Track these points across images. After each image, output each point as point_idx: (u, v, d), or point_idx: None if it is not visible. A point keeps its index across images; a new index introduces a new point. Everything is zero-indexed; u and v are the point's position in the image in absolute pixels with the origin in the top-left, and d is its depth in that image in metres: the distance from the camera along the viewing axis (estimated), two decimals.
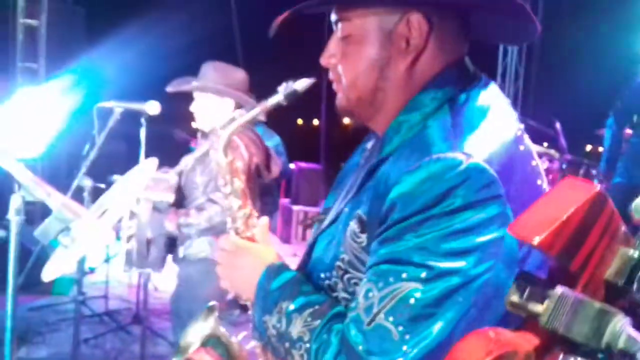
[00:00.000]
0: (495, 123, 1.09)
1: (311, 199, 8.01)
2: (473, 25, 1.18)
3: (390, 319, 0.96)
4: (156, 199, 2.87)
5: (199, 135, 3.29)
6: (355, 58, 1.15)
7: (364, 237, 1.08)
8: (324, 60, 1.21)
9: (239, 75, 3.13)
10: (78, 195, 3.65)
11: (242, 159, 2.79)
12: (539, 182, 1.14)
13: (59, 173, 7.97)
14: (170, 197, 2.87)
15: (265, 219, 1.37)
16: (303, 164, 8.37)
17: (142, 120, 3.75)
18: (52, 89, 7.13)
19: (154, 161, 2.27)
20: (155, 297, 4.72)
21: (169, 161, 3.39)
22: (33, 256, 3.69)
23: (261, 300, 1.17)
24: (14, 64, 7.06)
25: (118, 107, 3.24)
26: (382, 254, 1.01)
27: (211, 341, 1.34)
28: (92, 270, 5.28)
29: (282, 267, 1.21)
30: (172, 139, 6.79)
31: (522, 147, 1.12)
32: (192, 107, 3.09)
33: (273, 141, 4.69)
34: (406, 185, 0.99)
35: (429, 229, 0.96)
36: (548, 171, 5.94)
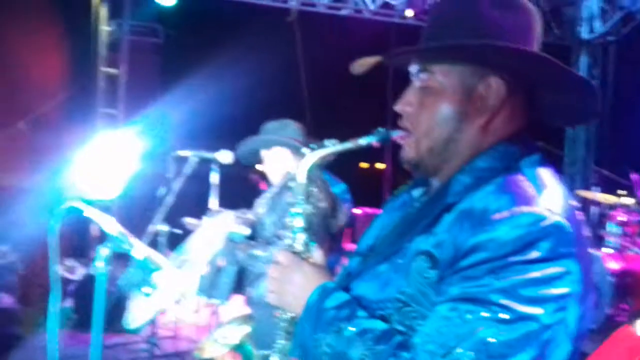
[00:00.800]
0: (558, 187, 1.18)
1: None
2: (536, 104, 1.27)
3: (469, 354, 1.01)
4: (232, 230, 2.91)
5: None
6: (432, 109, 1.22)
7: (433, 274, 1.12)
8: (400, 107, 1.28)
9: (299, 131, 3.20)
10: (153, 239, 3.78)
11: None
12: (589, 249, 1.21)
13: (131, 214, 8.30)
14: (246, 231, 2.90)
15: (321, 253, 1.40)
16: (368, 210, 8.35)
17: (214, 166, 3.87)
18: (129, 134, 7.53)
19: (230, 215, 2.34)
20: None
21: (241, 203, 3.48)
22: (112, 298, 3.82)
23: (313, 318, 1.20)
24: (95, 110, 7.49)
25: (194, 157, 3.36)
26: (460, 292, 1.06)
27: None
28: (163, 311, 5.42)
29: (336, 288, 1.25)
30: (244, 180, 6.96)
31: (578, 214, 1.19)
32: (266, 161, 3.13)
33: (339, 188, 4.71)
34: (493, 231, 1.06)
35: (510, 274, 1.03)
36: (626, 224, 5.65)
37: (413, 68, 1.26)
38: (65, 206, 1.99)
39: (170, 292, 1.76)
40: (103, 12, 7.39)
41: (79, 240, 7.58)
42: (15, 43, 11.53)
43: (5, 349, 5.02)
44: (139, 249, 1.77)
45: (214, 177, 3.94)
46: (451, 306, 1.06)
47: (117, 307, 4.95)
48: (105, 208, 7.52)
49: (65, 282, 6.22)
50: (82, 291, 5.00)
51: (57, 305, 1.99)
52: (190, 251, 1.91)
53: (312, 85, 9.53)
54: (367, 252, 1.37)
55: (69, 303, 5.39)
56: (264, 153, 3.14)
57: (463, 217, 1.12)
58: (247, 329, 1.39)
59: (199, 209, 3.68)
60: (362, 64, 1.34)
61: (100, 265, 1.90)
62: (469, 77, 1.19)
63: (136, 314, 1.78)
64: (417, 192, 1.39)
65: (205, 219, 2.81)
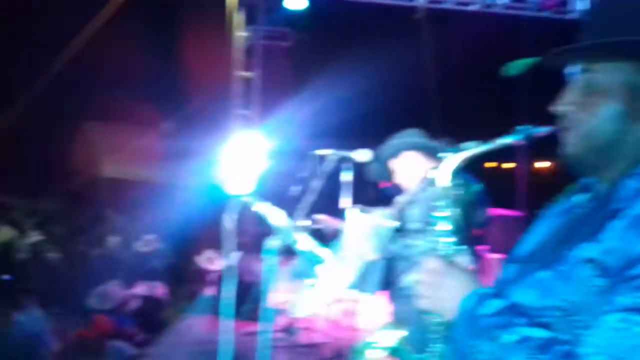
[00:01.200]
0: None
1: (510, 248, 7.60)
2: None
3: None
4: (382, 224, 2.95)
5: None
6: (595, 109, 1.19)
7: (600, 282, 1.09)
8: (561, 107, 1.24)
9: (425, 137, 3.17)
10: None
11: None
12: None
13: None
14: (395, 224, 2.90)
15: (468, 256, 1.40)
16: (503, 211, 8.07)
17: (346, 165, 3.95)
18: (262, 133, 7.94)
19: (378, 211, 2.42)
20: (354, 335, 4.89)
21: (361, 202, 3.53)
22: (251, 289, 4.06)
23: (468, 324, 1.19)
24: (231, 111, 7.97)
25: (333, 155, 3.44)
26: (631, 303, 1.03)
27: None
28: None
29: (492, 294, 1.22)
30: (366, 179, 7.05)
31: None
32: (397, 169, 3.12)
33: (476, 188, 4.59)
34: None
35: None
36: None
37: (572, 67, 1.23)
38: (237, 201, 2.19)
39: (332, 285, 1.88)
40: (238, 19, 7.84)
41: (218, 233, 8.08)
42: (160, 51, 12.59)
43: (154, 332, 5.53)
44: (304, 242, 1.91)
45: (346, 176, 4.03)
46: (621, 317, 1.03)
47: (255, 297, 5.27)
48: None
49: (206, 272, 6.72)
50: (221, 281, 5.35)
51: (230, 294, 2.20)
52: (346, 246, 2.01)
53: (440, 83, 9.41)
54: (526, 259, 1.34)
55: (211, 291, 5.80)
56: (393, 162, 3.13)
57: (637, 223, 1.09)
58: (402, 332, 1.43)
59: (329, 208, 3.80)
60: (517, 66, 1.32)
61: (268, 257, 2.06)
62: (633, 76, 1.15)
63: (303, 304, 1.92)
64: (578, 198, 1.34)
65: (352, 215, 2.89)
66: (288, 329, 4.73)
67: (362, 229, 2.26)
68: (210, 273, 6.64)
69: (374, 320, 3.45)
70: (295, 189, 5.24)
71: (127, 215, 11.61)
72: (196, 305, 5.76)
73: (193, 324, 5.10)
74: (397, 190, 5.92)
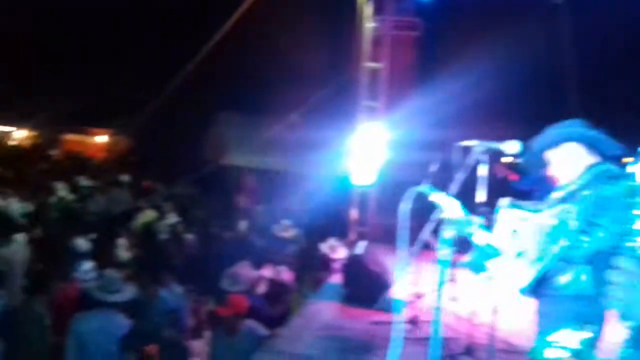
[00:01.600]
0: None
1: None
2: None
3: None
4: (544, 221, 2.81)
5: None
6: None
7: None
8: None
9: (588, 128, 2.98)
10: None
11: None
12: None
13: (384, 199, 8.76)
14: (555, 222, 2.76)
15: None
16: None
17: (482, 158, 3.81)
18: (387, 124, 7.94)
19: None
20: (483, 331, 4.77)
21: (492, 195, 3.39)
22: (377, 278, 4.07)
23: None
24: (357, 102, 8.02)
25: (479, 147, 3.33)
26: None
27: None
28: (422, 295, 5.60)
29: None
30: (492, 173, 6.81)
31: None
32: (556, 160, 2.94)
33: None
34: None
35: None
36: None
37: None
38: (414, 190, 2.21)
39: (506, 279, 1.84)
40: (368, 9, 7.84)
41: (342, 221, 8.21)
42: (290, 41, 12.97)
43: (281, 315, 5.74)
44: (481, 235, 1.89)
45: (482, 170, 3.89)
46: None
47: (382, 287, 5.30)
48: (363, 194, 8.22)
49: (330, 259, 6.86)
50: (349, 268, 5.44)
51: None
52: (525, 241, 1.96)
53: (580, 70, 8.81)
54: None
55: (337, 279, 5.90)
56: (551, 153, 2.95)
57: None
58: (586, 334, 1.37)
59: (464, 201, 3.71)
60: None
61: (443, 248, 2.06)
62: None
63: (479, 298, 1.90)
64: None
65: (505, 210, 2.79)
66: (414, 321, 4.71)
67: (520, 225, 2.17)
68: (335, 261, 6.77)
69: (518, 320, 3.29)
70: (426, 181, 5.17)
71: (255, 201, 12.17)
72: (321, 291, 5.90)
73: (319, 310, 5.22)
74: (531, 183, 5.63)
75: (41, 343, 4.99)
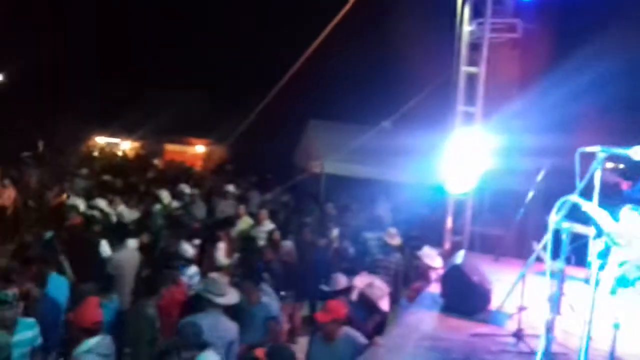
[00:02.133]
0: None
1: None
2: None
3: None
4: None
5: None
6: None
7: None
8: None
9: None
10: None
11: None
12: None
13: (481, 207, 8.49)
14: None
15: None
16: None
17: (602, 164, 3.58)
18: (485, 130, 7.69)
19: None
20: (595, 350, 4.48)
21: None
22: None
23: None
24: (454, 107, 7.83)
25: (602, 153, 3.15)
26: None
27: None
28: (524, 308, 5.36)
29: None
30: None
31: None
32: None
33: None
34: None
35: None
36: None
37: None
38: (564, 201, 2.13)
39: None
40: (465, 13, 7.66)
41: (437, 230, 8.04)
42: (385, 47, 12.94)
43: (377, 325, 5.69)
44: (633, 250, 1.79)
45: (597, 177, 3.68)
46: None
47: (482, 298, 5.13)
48: (460, 202, 7.99)
49: (428, 268, 6.72)
50: (448, 278, 5.30)
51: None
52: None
53: None
54: None
55: (434, 288, 5.78)
56: None
57: None
58: None
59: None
60: None
61: (595, 260, 1.97)
62: None
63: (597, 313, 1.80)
64: None
65: (630, 216, 2.64)
66: (518, 335, 4.51)
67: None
68: (432, 270, 6.63)
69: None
70: (532, 189, 4.97)
71: (346, 209, 12.20)
72: (419, 301, 5.79)
73: (419, 320, 5.13)
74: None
75: (152, 344, 5.24)
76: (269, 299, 5.89)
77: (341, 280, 6.30)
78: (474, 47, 7.65)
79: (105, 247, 7.16)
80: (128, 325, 5.48)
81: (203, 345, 4.37)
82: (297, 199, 13.27)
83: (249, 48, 20.84)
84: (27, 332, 4.40)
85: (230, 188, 12.01)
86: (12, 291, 4.50)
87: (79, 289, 6.88)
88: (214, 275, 5.56)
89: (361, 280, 6.49)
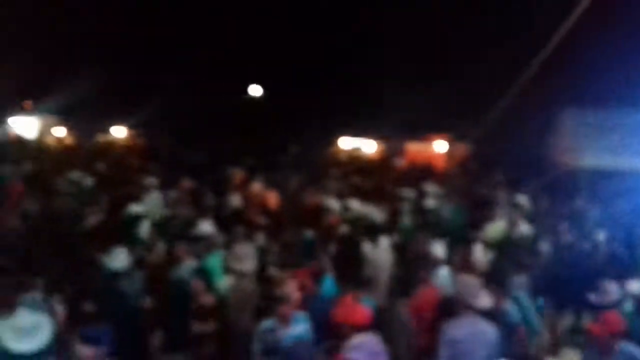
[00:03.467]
0: None
1: None
2: None
3: None
4: None
5: None
6: None
7: None
8: None
9: None
10: None
11: None
12: None
13: None
14: None
15: None
16: None
17: None
18: None
19: None
20: None
21: None
22: None
23: None
24: None
25: None
26: None
27: None
28: None
29: None
30: None
31: None
32: None
33: None
34: None
35: None
36: None
37: None
38: None
39: None
40: None
41: None
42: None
43: None
44: None
45: None
46: None
47: None
48: None
49: None
50: None
51: None
52: None
53: None
54: None
55: None
56: None
57: None
58: None
59: None
60: None
61: None
62: None
63: None
64: None
65: None
66: None
67: None
68: None
69: None
70: None
71: (607, 206, 10.88)
72: None
73: None
74: None
75: (406, 344, 5.26)
76: (512, 306, 5.48)
77: (612, 290, 5.63)
78: None
79: (367, 247, 7.37)
80: (383, 324, 5.56)
81: None
82: (552, 198, 12.24)
83: (492, 36, 20.01)
84: (300, 326, 4.74)
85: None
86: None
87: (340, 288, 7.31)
88: (466, 277, 5.34)
89: (635, 287, 5.75)
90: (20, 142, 22.96)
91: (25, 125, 27.28)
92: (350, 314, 4.46)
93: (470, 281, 5.07)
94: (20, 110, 28.30)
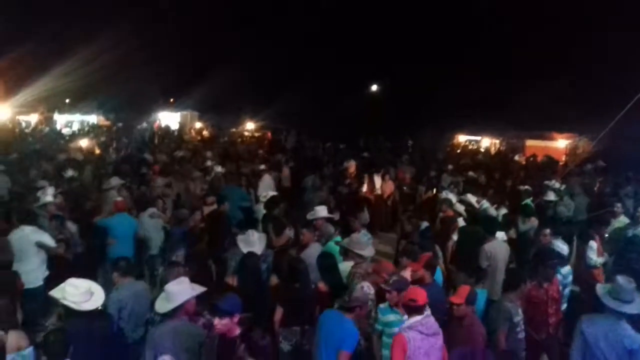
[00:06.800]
0: None
1: None
2: None
3: None
4: None
5: None
6: None
7: None
8: None
9: None
10: None
11: None
12: None
13: None
14: None
15: None
16: None
17: None
18: None
19: None
20: None
21: None
22: None
23: None
24: None
25: None
26: None
27: None
28: None
29: None
30: None
31: None
32: None
33: None
34: None
35: None
36: None
37: None
38: None
39: None
40: None
41: None
42: None
43: None
44: None
45: None
46: None
47: None
48: None
49: None
50: None
51: None
52: None
53: None
54: None
55: None
56: None
57: None
58: None
59: None
60: None
61: None
62: None
63: None
64: None
65: None
66: None
67: None
68: None
69: None
70: None
71: None
72: None
73: None
74: None
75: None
76: None
77: None
78: None
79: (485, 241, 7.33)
80: (490, 314, 5.62)
81: None
82: None
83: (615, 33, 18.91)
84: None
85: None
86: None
87: (453, 276, 7.46)
88: (620, 278, 5.03)
89: None
90: (166, 131, 26.83)
91: (169, 119, 32.40)
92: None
93: (624, 283, 4.81)
94: (166, 106, 33.89)
